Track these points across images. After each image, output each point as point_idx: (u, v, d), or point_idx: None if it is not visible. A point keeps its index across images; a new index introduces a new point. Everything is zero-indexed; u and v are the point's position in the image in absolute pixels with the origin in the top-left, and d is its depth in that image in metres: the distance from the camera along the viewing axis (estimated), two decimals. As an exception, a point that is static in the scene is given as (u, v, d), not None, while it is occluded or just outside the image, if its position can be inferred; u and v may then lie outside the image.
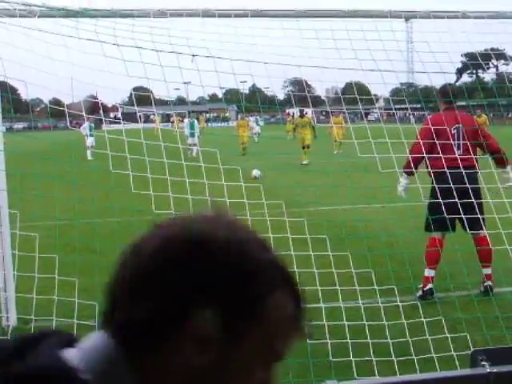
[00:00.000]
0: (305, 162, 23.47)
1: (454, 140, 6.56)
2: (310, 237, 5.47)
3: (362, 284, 5.73)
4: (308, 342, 4.89)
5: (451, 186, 5.85)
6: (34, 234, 5.57)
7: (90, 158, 25.96)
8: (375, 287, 5.54)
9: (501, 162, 6.73)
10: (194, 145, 23.95)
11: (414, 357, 4.91)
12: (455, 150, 6.51)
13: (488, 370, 2.32)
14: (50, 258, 5.48)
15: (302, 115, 26.46)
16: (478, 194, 6.28)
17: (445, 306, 6.09)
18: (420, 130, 6.84)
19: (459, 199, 5.89)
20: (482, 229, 6.43)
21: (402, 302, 5.54)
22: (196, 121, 30.70)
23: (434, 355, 4.89)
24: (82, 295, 5.48)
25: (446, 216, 5.85)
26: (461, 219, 6.13)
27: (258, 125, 38.21)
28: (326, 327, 5.07)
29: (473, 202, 5.93)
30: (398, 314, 5.41)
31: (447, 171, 6.03)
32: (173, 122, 32.84)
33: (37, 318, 5.47)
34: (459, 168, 6.12)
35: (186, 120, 29.31)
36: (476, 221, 6.20)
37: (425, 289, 6.70)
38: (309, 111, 24.53)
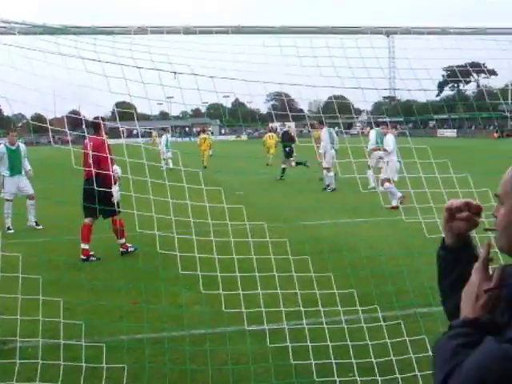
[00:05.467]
0: None
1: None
2: (293, 258, 5.39)
3: (345, 301, 5.68)
4: (292, 362, 4.87)
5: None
6: (17, 253, 5.31)
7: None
8: (358, 307, 5.47)
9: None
10: (169, 158, 28.02)
11: (398, 375, 4.87)
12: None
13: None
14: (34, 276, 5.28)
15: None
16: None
17: (428, 323, 6.07)
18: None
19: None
20: (114, 215, 9.78)
21: (385, 321, 5.46)
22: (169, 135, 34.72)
23: (418, 373, 4.86)
24: (65, 314, 5.33)
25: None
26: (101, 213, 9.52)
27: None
28: (310, 347, 5.02)
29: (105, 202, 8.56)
30: (381, 331, 5.35)
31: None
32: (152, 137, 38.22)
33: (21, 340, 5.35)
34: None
35: (163, 136, 31.98)
36: (109, 213, 9.57)
37: (84, 257, 9.89)
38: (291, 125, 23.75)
